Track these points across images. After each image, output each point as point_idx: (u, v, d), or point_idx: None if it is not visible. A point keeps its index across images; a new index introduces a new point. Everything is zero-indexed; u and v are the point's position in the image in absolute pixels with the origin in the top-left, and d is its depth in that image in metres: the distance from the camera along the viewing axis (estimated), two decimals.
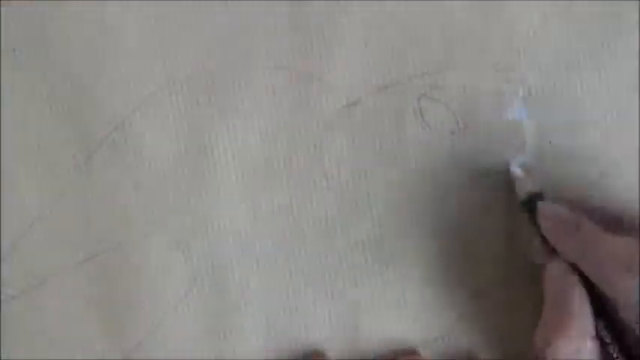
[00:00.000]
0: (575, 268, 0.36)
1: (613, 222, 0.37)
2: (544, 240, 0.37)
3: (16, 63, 0.41)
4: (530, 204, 0.38)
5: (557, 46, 0.40)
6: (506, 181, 0.40)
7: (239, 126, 0.41)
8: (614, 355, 0.35)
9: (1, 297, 0.42)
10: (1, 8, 0.41)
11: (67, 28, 0.41)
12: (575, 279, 0.36)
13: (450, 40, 0.40)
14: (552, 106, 0.40)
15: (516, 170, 0.39)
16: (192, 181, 0.41)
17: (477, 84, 0.40)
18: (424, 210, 0.41)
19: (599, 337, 0.35)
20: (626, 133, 0.40)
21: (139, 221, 0.41)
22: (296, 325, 0.41)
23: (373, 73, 0.40)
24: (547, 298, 0.37)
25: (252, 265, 0.41)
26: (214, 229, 0.41)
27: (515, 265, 0.40)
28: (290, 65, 0.41)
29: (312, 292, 0.41)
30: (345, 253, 0.41)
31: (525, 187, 0.39)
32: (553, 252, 0.37)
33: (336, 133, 0.41)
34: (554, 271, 0.37)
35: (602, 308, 0.35)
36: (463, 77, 0.40)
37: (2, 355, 0.42)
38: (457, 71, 0.40)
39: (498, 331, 0.40)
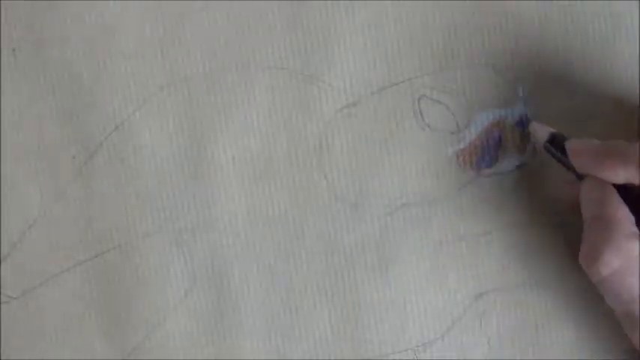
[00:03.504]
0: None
1: None
2: (574, 173, 0.37)
3: (16, 63, 0.41)
4: (555, 142, 0.38)
5: (557, 46, 0.40)
6: (506, 180, 0.40)
7: (239, 126, 0.41)
8: None
9: (1, 298, 0.42)
10: (1, 8, 0.41)
11: (67, 28, 0.41)
12: (610, 187, 0.35)
13: (450, 40, 0.40)
14: (552, 106, 0.40)
15: (534, 122, 0.39)
16: (192, 181, 0.41)
17: (477, 84, 0.40)
18: (424, 210, 0.41)
19: None
20: (626, 133, 0.39)
21: (139, 221, 0.41)
22: (296, 325, 0.41)
23: (373, 73, 0.40)
24: (585, 216, 0.36)
25: (252, 265, 0.41)
26: (214, 229, 0.41)
27: (515, 264, 0.40)
28: (290, 65, 0.41)
29: (312, 292, 0.41)
30: (345, 253, 0.41)
31: (545, 131, 0.38)
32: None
33: (336, 133, 0.41)
34: (589, 185, 0.36)
35: None
36: (463, 77, 0.40)
37: (2, 355, 0.42)
38: (457, 71, 0.40)
39: (499, 331, 0.40)
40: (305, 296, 0.41)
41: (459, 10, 0.40)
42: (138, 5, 0.41)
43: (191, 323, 0.41)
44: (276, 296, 0.41)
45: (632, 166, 0.34)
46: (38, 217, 0.42)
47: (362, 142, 0.41)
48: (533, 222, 0.40)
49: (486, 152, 0.40)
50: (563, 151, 0.37)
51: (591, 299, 0.39)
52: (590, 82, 0.40)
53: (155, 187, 0.41)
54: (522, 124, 0.40)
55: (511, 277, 0.40)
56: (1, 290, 0.42)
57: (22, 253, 0.42)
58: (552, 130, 0.38)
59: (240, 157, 0.41)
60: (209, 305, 0.41)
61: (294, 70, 0.41)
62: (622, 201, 0.35)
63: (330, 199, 0.41)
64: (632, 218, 0.35)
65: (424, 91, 0.40)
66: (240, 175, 0.41)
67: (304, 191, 0.41)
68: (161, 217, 0.41)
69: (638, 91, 0.39)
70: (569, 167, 0.37)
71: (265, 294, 0.41)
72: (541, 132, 0.38)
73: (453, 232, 0.40)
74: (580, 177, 0.37)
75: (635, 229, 0.34)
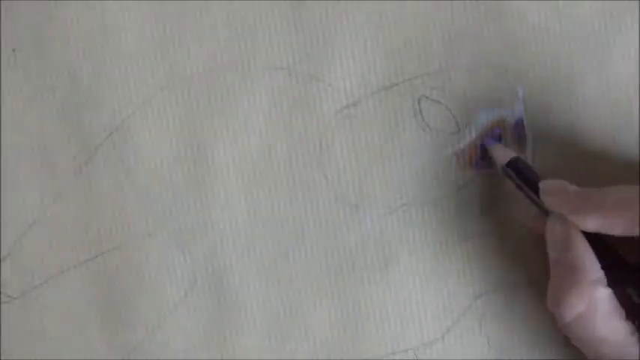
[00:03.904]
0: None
1: None
2: (533, 202, 0.37)
3: (16, 63, 0.42)
4: (513, 167, 0.38)
5: (557, 46, 0.40)
6: (507, 181, 0.40)
7: (239, 126, 0.41)
8: (634, 297, 0.34)
9: (1, 297, 0.42)
10: (1, 8, 0.41)
11: (66, 28, 0.41)
12: (575, 227, 0.35)
13: (450, 40, 0.40)
14: (552, 106, 0.40)
15: (493, 144, 0.39)
16: (192, 182, 0.41)
17: (477, 84, 0.40)
18: (424, 210, 0.41)
19: (612, 284, 0.34)
20: (625, 133, 0.39)
21: (139, 221, 0.41)
22: (296, 325, 0.41)
23: (373, 73, 0.40)
24: (551, 257, 0.36)
25: (252, 265, 0.41)
26: (214, 229, 0.41)
27: (515, 264, 0.40)
28: (290, 65, 0.41)
29: (312, 292, 0.41)
30: (345, 253, 0.41)
31: (506, 155, 0.38)
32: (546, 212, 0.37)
33: (336, 133, 0.41)
34: (554, 225, 0.36)
35: (611, 257, 0.35)
36: (463, 77, 0.40)
37: (2, 355, 0.42)
38: (457, 71, 0.40)
39: (499, 331, 0.40)
40: (305, 296, 0.41)
41: (459, 10, 0.40)
42: (138, 5, 0.41)
43: (191, 323, 0.41)
44: (276, 296, 0.41)
45: (602, 217, 0.34)
46: (38, 217, 0.42)
47: (362, 142, 0.41)
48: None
49: (486, 152, 0.40)
50: (526, 180, 0.37)
51: None
52: (589, 82, 0.40)
53: (155, 187, 0.41)
54: (522, 124, 0.40)
55: (511, 278, 0.40)
56: (1, 290, 0.42)
57: (22, 253, 0.42)
58: (514, 154, 0.38)
59: (240, 157, 0.41)
60: (209, 305, 0.41)
61: (294, 70, 0.41)
62: (587, 245, 0.35)
63: (330, 199, 0.41)
64: (597, 263, 0.34)
65: (424, 91, 0.40)
66: (240, 175, 0.41)
67: (304, 191, 0.41)
68: (161, 217, 0.41)
69: (638, 91, 0.39)
70: (529, 196, 0.37)
71: (265, 294, 0.41)
72: (502, 155, 0.38)
73: (453, 232, 0.40)
74: (543, 209, 0.37)
75: (600, 274, 0.34)
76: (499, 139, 0.40)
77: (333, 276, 0.41)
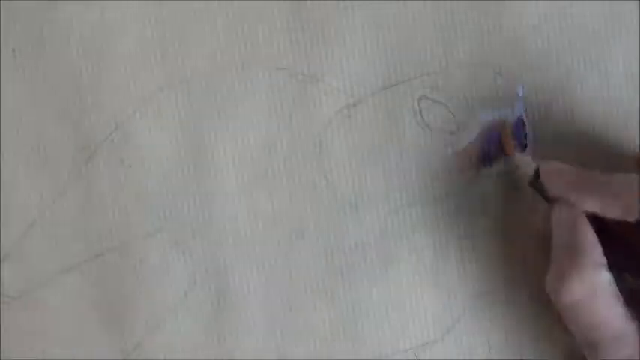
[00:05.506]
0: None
1: None
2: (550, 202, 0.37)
3: (16, 63, 0.42)
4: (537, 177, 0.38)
5: (557, 46, 0.40)
6: (507, 180, 0.40)
7: (239, 126, 0.41)
8: (631, 283, 0.34)
9: (1, 298, 0.42)
10: (1, 8, 0.41)
11: (66, 28, 0.41)
12: (580, 214, 0.35)
13: (450, 40, 0.40)
14: (552, 106, 0.40)
15: (520, 155, 0.39)
16: (192, 182, 0.41)
17: (477, 84, 0.40)
18: (424, 210, 0.41)
19: (613, 268, 0.34)
20: (625, 133, 0.39)
21: (139, 221, 0.41)
22: (296, 325, 0.41)
23: (373, 73, 0.40)
24: (555, 241, 0.36)
25: (252, 265, 0.41)
26: (214, 229, 0.41)
27: (515, 264, 0.40)
28: (290, 65, 0.41)
29: (312, 292, 0.41)
30: (345, 253, 0.41)
31: (531, 166, 0.38)
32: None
33: (336, 133, 0.41)
34: (559, 210, 0.36)
35: (611, 243, 0.35)
36: (463, 77, 0.40)
37: (2, 355, 0.42)
38: (457, 71, 0.40)
39: (499, 331, 0.40)
40: (305, 296, 0.41)
41: (459, 10, 0.40)
42: (138, 5, 0.41)
43: (191, 323, 0.41)
44: (276, 296, 0.41)
45: (602, 198, 0.34)
46: (38, 217, 0.42)
47: (362, 142, 0.41)
48: (532, 222, 0.40)
49: (486, 152, 0.40)
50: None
51: None
52: (589, 82, 0.40)
53: (155, 187, 0.41)
54: (522, 124, 0.40)
55: (511, 278, 0.40)
56: (1, 290, 0.42)
57: (22, 253, 0.42)
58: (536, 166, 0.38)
59: (240, 157, 0.41)
60: (209, 305, 0.41)
61: (294, 70, 0.41)
62: (591, 229, 0.35)
63: (330, 199, 0.41)
64: (599, 248, 0.34)
65: (424, 91, 0.40)
66: (240, 175, 0.41)
67: (304, 191, 0.41)
68: (161, 217, 0.41)
69: (638, 91, 0.39)
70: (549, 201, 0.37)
71: (265, 294, 0.41)
72: (528, 167, 0.38)
73: (453, 232, 0.40)
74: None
75: (602, 259, 0.34)
76: (499, 139, 0.40)
77: (333, 276, 0.41)
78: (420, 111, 0.40)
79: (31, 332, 0.42)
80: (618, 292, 0.34)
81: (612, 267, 0.34)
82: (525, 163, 0.39)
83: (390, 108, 0.40)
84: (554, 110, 0.40)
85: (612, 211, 0.34)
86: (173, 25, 0.41)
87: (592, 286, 0.34)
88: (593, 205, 0.35)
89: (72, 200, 0.42)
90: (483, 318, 0.40)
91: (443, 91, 0.40)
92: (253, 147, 0.41)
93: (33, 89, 0.42)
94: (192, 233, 0.41)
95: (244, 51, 0.41)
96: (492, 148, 0.40)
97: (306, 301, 0.41)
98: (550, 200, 0.37)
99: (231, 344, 0.41)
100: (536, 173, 0.38)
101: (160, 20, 0.41)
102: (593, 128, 0.39)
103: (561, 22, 0.39)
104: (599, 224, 0.35)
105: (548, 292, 0.35)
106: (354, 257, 0.41)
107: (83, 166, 0.42)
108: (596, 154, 0.40)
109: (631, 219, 0.34)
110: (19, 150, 0.42)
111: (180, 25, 0.41)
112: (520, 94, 0.40)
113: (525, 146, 0.40)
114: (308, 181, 0.41)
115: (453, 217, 0.40)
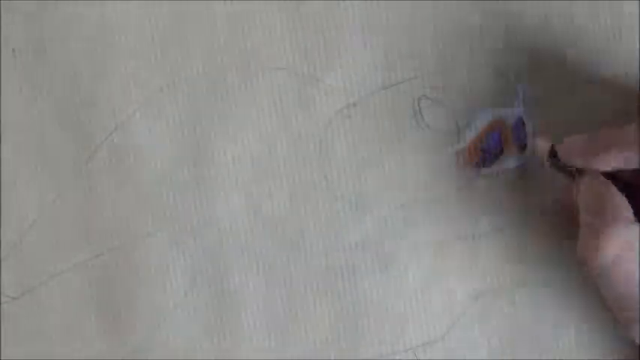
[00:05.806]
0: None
1: None
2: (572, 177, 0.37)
3: (16, 63, 0.42)
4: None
5: (556, 46, 0.40)
6: (506, 180, 0.40)
7: (239, 126, 0.41)
8: None
9: (1, 298, 0.42)
10: (1, 8, 0.41)
11: (67, 28, 0.41)
12: (606, 179, 0.35)
13: (450, 40, 0.40)
14: (552, 106, 0.40)
15: (535, 140, 0.39)
16: (192, 182, 0.41)
17: (477, 84, 0.40)
18: (424, 210, 0.41)
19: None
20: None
21: (139, 221, 0.41)
22: (296, 325, 0.41)
23: (373, 73, 0.40)
24: (584, 209, 0.36)
25: (252, 265, 0.41)
26: (214, 229, 0.41)
27: (515, 264, 0.40)
28: (290, 65, 0.41)
29: (312, 292, 0.41)
30: (345, 253, 0.41)
31: (547, 144, 0.38)
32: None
33: (336, 133, 0.41)
34: (586, 180, 0.36)
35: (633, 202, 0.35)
36: (463, 77, 0.40)
37: (2, 355, 0.42)
38: (457, 71, 0.40)
39: (499, 331, 0.40)
40: (305, 296, 0.41)
41: (459, 10, 0.40)
42: (138, 5, 0.41)
43: (191, 323, 0.41)
44: (276, 296, 0.41)
45: (621, 150, 0.35)
46: (38, 217, 0.42)
47: (362, 142, 0.41)
48: (532, 222, 0.40)
49: (486, 152, 0.40)
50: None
51: (591, 299, 0.39)
52: (590, 82, 0.40)
53: (155, 187, 0.41)
54: (522, 124, 0.40)
55: (510, 277, 0.40)
56: (1, 290, 0.42)
57: (22, 253, 0.42)
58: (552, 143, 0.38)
59: (240, 157, 0.41)
60: (209, 305, 0.41)
61: (294, 70, 0.41)
62: (619, 191, 0.35)
63: (330, 199, 0.41)
64: (628, 205, 0.34)
65: (424, 91, 0.40)
66: (240, 175, 0.41)
67: (304, 191, 0.41)
68: (161, 217, 0.41)
69: (638, 91, 0.39)
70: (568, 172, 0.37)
71: (265, 294, 0.41)
72: (545, 146, 0.38)
73: (453, 232, 0.40)
74: None
75: (632, 215, 0.34)
76: (499, 139, 0.40)
77: (333, 276, 0.41)
78: (420, 111, 0.40)
79: (31, 332, 0.42)
80: None
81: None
82: (541, 147, 0.39)
83: (390, 108, 0.40)
84: (554, 110, 0.40)
85: (634, 162, 0.34)
86: (173, 25, 0.41)
87: (627, 244, 0.33)
88: (616, 161, 0.35)
89: (72, 200, 0.42)
90: (484, 318, 0.40)
91: (442, 90, 0.40)
92: (253, 147, 0.41)
93: (33, 89, 0.42)
94: (192, 233, 0.41)
95: (244, 51, 0.41)
96: (492, 148, 0.40)
97: (306, 301, 0.41)
98: (573, 175, 0.37)
99: (231, 344, 0.41)
100: (553, 152, 0.38)
101: (160, 20, 0.41)
102: (594, 128, 0.39)
103: (561, 22, 0.39)
104: (622, 187, 0.35)
105: (580, 261, 0.35)
106: (354, 257, 0.41)
107: (83, 166, 0.42)
108: None
109: None
110: (19, 150, 0.42)
111: (180, 25, 0.41)
112: (520, 94, 0.40)
113: (525, 146, 0.40)
114: (308, 181, 0.41)
115: (453, 217, 0.40)
